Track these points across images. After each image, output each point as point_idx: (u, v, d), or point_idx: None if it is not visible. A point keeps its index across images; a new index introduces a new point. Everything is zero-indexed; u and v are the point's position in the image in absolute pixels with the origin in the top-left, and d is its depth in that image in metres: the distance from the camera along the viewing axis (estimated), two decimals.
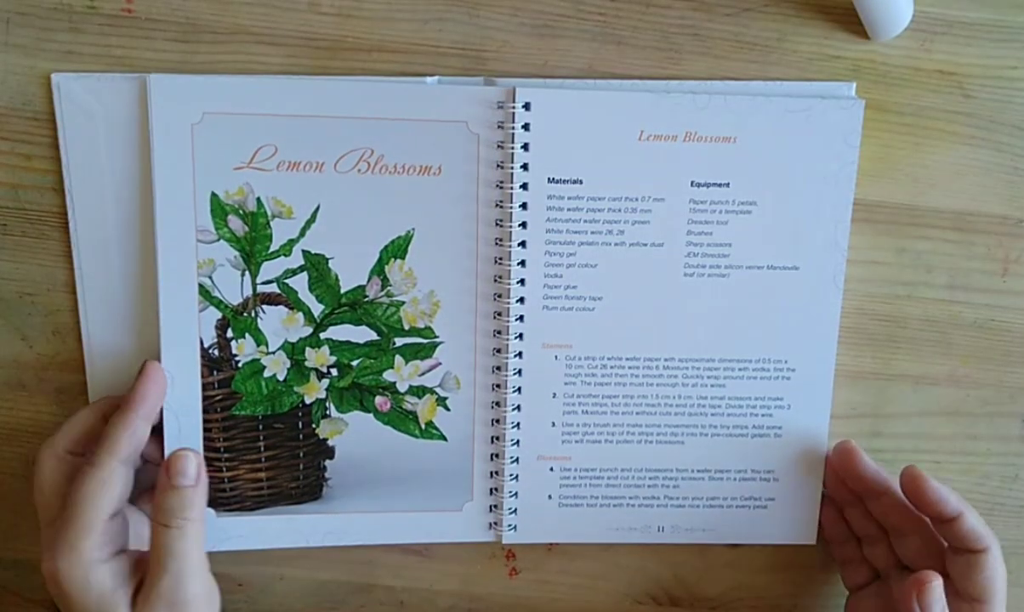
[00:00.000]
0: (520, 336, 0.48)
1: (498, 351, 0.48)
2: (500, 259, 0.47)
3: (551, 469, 0.50)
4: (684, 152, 0.47)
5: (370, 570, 0.52)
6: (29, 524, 0.48)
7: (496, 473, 0.50)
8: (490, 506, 0.50)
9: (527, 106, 0.46)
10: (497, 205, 0.47)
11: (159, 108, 0.44)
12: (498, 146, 0.46)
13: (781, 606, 0.46)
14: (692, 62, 0.47)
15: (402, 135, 0.45)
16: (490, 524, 0.51)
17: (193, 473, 0.41)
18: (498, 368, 0.49)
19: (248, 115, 0.45)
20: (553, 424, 0.49)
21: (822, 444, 0.50)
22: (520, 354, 0.49)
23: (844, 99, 0.47)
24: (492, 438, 0.49)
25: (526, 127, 0.46)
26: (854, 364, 0.51)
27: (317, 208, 0.46)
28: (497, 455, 0.50)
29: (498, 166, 0.46)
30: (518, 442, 0.49)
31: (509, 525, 0.51)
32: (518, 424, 0.49)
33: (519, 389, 0.49)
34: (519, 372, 0.49)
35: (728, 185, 0.47)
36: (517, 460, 0.50)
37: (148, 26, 0.45)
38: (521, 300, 0.48)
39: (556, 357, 0.49)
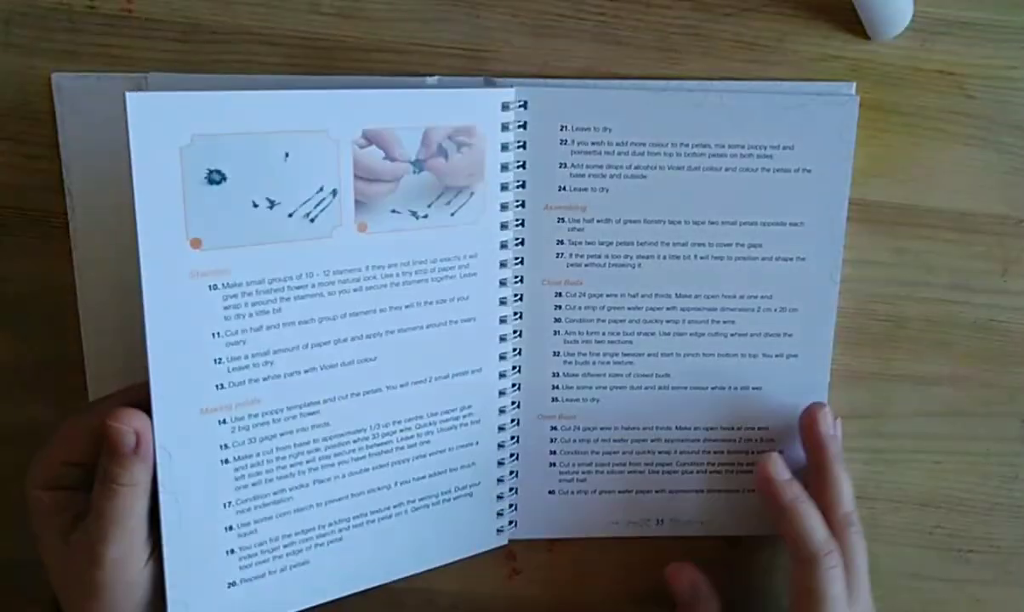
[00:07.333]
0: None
1: (503, 339, 0.49)
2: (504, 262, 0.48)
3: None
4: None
5: None
6: (29, 524, 0.48)
7: (507, 479, 0.50)
8: (498, 512, 0.50)
9: (524, 105, 0.46)
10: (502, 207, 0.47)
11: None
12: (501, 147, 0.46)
13: (782, 606, 0.46)
14: (692, 62, 0.47)
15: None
16: (498, 530, 0.51)
17: (129, 442, 0.40)
18: (503, 381, 0.49)
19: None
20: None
21: None
22: (519, 351, 0.49)
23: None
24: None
25: (523, 126, 0.46)
26: (854, 364, 0.51)
27: None
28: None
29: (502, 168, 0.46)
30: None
31: (511, 521, 0.51)
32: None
33: (518, 368, 0.49)
34: (518, 370, 0.49)
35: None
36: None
37: (148, 26, 0.45)
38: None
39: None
